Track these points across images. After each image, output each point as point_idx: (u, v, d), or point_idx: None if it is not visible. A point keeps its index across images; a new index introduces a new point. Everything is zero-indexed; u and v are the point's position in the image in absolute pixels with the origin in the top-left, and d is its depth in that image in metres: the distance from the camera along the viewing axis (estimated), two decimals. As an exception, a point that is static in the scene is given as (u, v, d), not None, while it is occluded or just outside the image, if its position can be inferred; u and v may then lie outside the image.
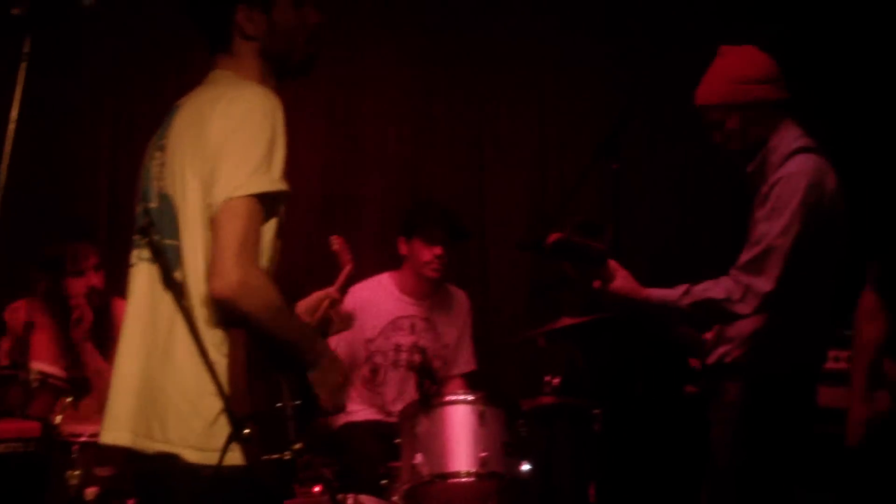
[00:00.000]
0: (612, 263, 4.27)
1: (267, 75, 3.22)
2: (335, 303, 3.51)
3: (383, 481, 5.07)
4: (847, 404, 5.33)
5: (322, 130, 6.51)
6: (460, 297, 6.13)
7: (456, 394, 5.10)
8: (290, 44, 3.28)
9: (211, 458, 2.91)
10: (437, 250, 5.79)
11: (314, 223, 6.43)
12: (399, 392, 5.83)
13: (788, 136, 4.27)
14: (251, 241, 2.91)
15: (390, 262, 6.09)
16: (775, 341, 4.24)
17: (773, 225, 4.10)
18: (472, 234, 6.24)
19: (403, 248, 5.91)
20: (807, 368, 4.36)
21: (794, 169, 4.14)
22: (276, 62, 3.25)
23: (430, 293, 5.97)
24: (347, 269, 3.97)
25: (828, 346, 4.67)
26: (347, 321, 3.53)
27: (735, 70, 4.31)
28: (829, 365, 5.44)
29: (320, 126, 6.50)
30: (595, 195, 6.22)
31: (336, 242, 4.10)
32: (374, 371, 5.88)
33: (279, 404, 2.99)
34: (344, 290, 3.73)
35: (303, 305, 3.50)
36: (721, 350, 4.37)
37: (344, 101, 6.59)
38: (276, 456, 2.92)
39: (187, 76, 3.33)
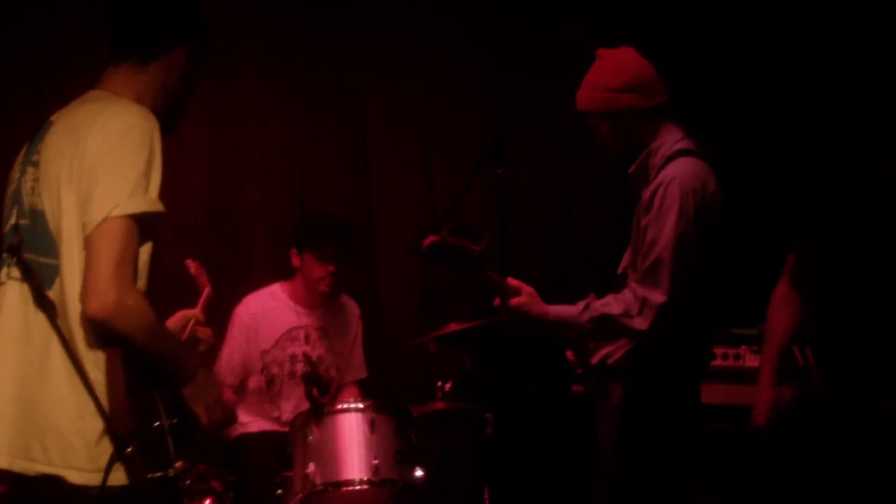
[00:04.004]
0: (517, 282, 4.27)
1: (148, 104, 3.20)
2: (199, 323, 3.49)
3: (278, 491, 5.05)
4: (737, 400, 5.41)
5: (204, 142, 6.44)
6: (352, 307, 6.13)
7: (346, 402, 5.11)
8: (183, 99, 3.32)
9: (95, 479, 2.91)
10: (329, 268, 5.78)
11: (200, 236, 6.37)
12: (295, 403, 5.79)
13: (669, 139, 4.31)
14: (127, 261, 2.90)
15: (280, 272, 6.07)
16: (657, 344, 4.25)
17: (659, 231, 4.14)
18: (361, 246, 6.24)
19: (296, 261, 5.90)
20: (689, 370, 4.40)
21: (673, 173, 4.18)
22: (165, 103, 3.25)
23: (323, 303, 5.97)
24: (206, 291, 3.95)
25: (711, 347, 4.72)
26: (212, 339, 3.51)
27: (604, 78, 4.33)
28: (717, 363, 5.53)
29: (202, 138, 6.43)
30: (481, 200, 6.25)
31: (192, 266, 4.08)
32: (270, 382, 5.86)
33: (157, 423, 2.97)
34: (206, 310, 3.71)
35: (170, 323, 3.47)
36: (604, 351, 4.41)
37: (226, 112, 6.52)
38: (159, 473, 2.91)
39: (69, 95, 3.31)
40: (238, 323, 5.86)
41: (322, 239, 5.78)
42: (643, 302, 4.11)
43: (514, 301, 4.23)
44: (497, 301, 4.27)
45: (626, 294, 4.17)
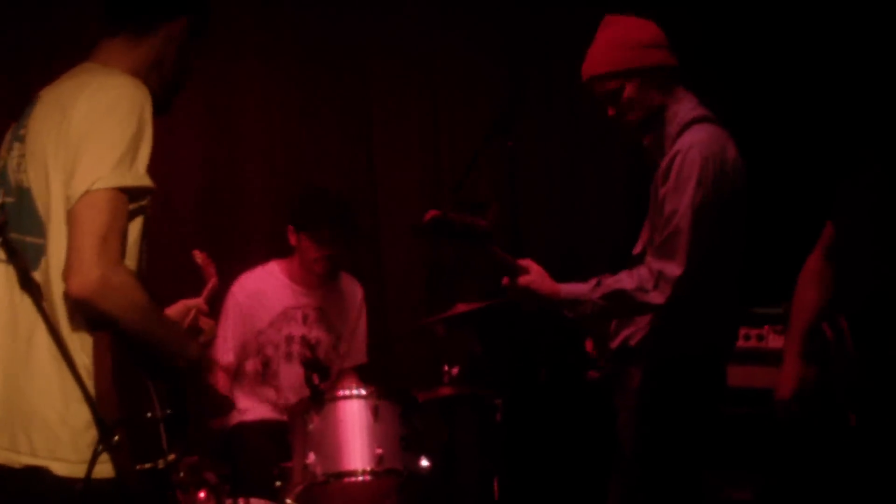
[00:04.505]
0: (526, 260, 4.23)
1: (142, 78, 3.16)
2: (202, 313, 3.46)
3: (277, 483, 5.01)
4: (760, 383, 5.36)
5: (200, 120, 6.39)
6: (354, 288, 6.07)
7: (348, 388, 5.06)
8: (178, 74, 3.30)
9: (81, 471, 2.87)
10: (325, 250, 5.72)
11: (195, 217, 6.33)
12: (293, 386, 5.74)
13: (684, 107, 4.28)
14: (113, 237, 2.87)
15: (280, 255, 5.99)
16: (681, 322, 4.23)
17: (678, 201, 4.09)
18: (363, 228, 6.19)
19: (293, 239, 5.82)
20: (715, 349, 4.36)
21: (691, 140, 4.15)
22: (161, 79, 3.23)
23: (323, 283, 5.91)
24: (212, 282, 3.93)
25: (737, 325, 4.68)
26: (214, 331, 3.49)
27: (630, 36, 4.29)
28: (741, 343, 5.48)
29: (198, 115, 6.37)
30: (490, 175, 6.21)
31: (199, 257, 4.06)
32: (266, 364, 5.83)
33: (149, 413, 2.94)
34: (210, 302, 3.69)
35: (171, 312, 3.44)
36: (625, 333, 4.36)
37: (223, 87, 6.48)
38: (148, 465, 2.88)
39: (57, 73, 3.29)
40: (233, 302, 5.80)
41: (319, 220, 5.70)
42: (658, 275, 4.07)
43: (523, 280, 4.19)
44: (505, 280, 4.23)
45: (641, 269, 4.13)
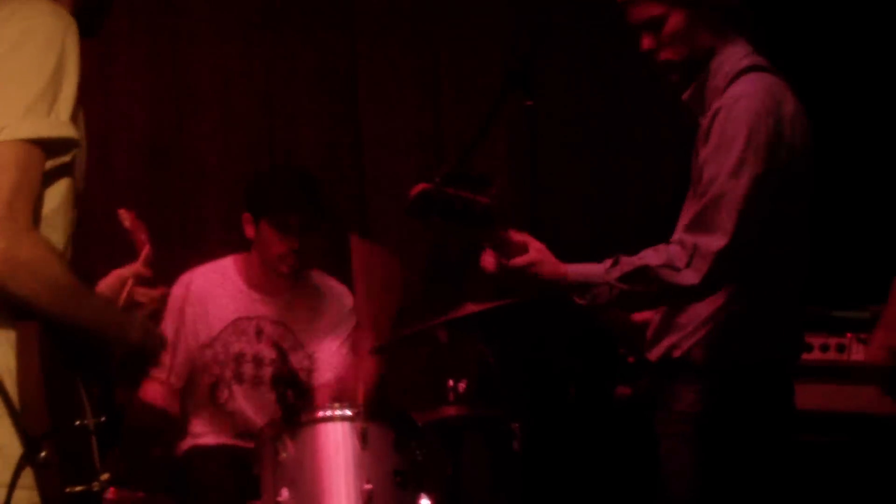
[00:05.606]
0: (523, 235, 4.16)
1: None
2: (142, 279, 3.42)
3: (242, 525, 5.00)
4: (840, 405, 5.34)
5: (142, 65, 6.43)
6: (339, 295, 6.02)
7: (330, 408, 5.03)
8: None
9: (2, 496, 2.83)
10: (293, 243, 5.65)
11: (137, 190, 6.32)
12: (249, 414, 5.75)
13: (733, 55, 4.21)
14: (21, 200, 2.83)
15: (240, 239, 5.95)
16: (741, 326, 4.17)
17: (721, 165, 4.02)
18: (348, 210, 6.20)
19: (249, 230, 5.76)
20: (782, 361, 4.32)
21: (740, 91, 4.08)
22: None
23: (287, 286, 5.86)
24: (146, 251, 3.89)
25: (802, 330, 4.62)
26: (161, 299, 3.44)
27: None
28: (814, 356, 5.45)
29: (140, 60, 6.41)
30: (504, 142, 6.19)
31: (126, 218, 4.00)
32: (214, 386, 5.78)
33: (79, 422, 2.91)
34: (149, 264, 3.64)
35: (102, 287, 3.40)
36: (668, 341, 4.29)
37: (170, 26, 6.53)
38: (80, 487, 2.84)
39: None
40: (174, 307, 5.73)
41: (284, 203, 5.64)
42: (693, 249, 3.97)
43: (519, 260, 4.11)
44: (493, 261, 4.17)
45: (670, 245, 4.05)
